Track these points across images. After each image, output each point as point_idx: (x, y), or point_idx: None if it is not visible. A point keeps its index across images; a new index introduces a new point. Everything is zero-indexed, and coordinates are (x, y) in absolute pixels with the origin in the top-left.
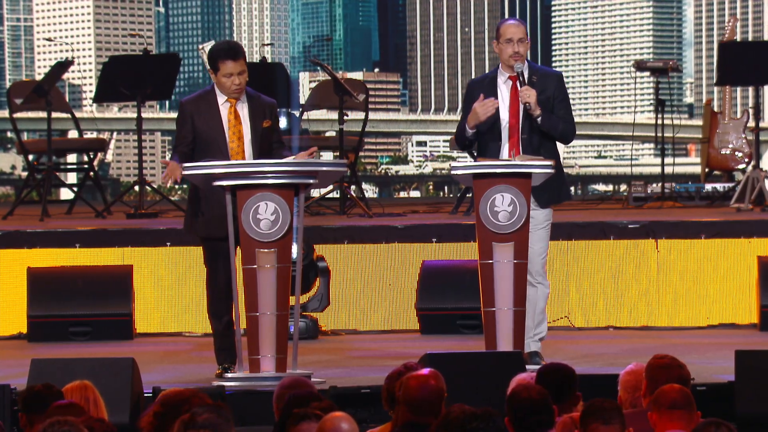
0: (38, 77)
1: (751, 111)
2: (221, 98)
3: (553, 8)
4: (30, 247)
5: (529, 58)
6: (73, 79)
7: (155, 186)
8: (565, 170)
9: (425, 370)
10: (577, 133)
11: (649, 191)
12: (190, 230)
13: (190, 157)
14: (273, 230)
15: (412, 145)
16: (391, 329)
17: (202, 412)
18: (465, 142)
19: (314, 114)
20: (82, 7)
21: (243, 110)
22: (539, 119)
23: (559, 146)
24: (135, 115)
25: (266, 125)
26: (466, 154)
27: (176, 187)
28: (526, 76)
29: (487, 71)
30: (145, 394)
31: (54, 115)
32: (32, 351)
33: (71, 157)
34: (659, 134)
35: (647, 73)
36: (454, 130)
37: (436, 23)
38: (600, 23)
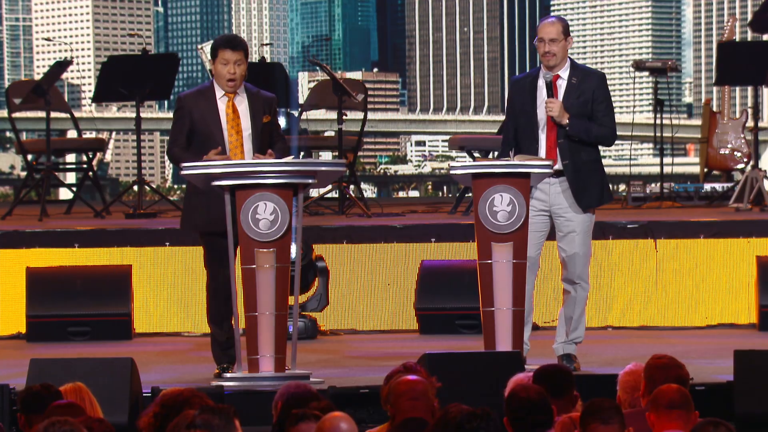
0: (37, 77)
1: (749, 111)
2: (219, 92)
3: (552, 8)
4: (29, 247)
5: (571, 57)
6: (72, 78)
7: (154, 186)
8: None
9: (410, 376)
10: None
11: (648, 191)
12: (188, 226)
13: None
14: (272, 230)
15: (411, 144)
16: (390, 329)
17: (198, 413)
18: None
19: (313, 114)
20: (81, 6)
21: (242, 105)
22: (567, 128)
23: None
24: (134, 115)
25: (266, 120)
26: (465, 154)
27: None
28: (565, 77)
29: (486, 71)
30: (144, 394)
31: (53, 114)
32: (31, 351)
33: (70, 157)
34: (658, 134)
35: (646, 73)
36: (453, 130)
37: (435, 23)
38: (599, 23)
